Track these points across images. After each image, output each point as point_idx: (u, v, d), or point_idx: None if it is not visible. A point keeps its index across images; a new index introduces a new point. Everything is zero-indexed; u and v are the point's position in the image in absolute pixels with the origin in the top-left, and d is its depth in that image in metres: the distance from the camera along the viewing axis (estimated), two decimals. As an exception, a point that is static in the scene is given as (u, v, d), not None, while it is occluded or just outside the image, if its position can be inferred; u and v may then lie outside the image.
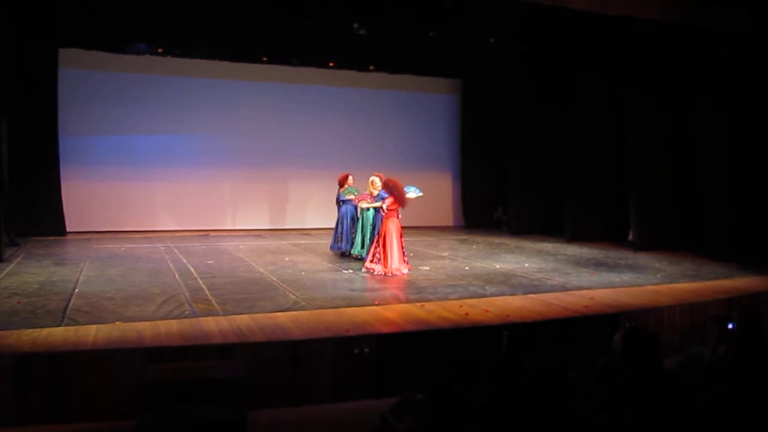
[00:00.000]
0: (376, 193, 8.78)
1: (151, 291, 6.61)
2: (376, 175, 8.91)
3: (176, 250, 10.06)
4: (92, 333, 4.95)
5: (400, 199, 8.17)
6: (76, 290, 6.58)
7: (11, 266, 8.19)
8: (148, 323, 5.28)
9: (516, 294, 6.81)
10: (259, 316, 5.64)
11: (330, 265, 8.82)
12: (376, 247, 8.22)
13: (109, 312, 5.62)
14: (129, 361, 4.52)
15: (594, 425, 2.66)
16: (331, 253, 9.70)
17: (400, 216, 8.33)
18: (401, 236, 8.22)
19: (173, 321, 5.38)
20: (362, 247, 9.05)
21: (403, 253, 8.20)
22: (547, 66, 12.90)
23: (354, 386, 4.99)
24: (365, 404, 4.72)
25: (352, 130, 14.76)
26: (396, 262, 8.04)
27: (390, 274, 7.94)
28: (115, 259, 8.96)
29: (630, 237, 11.28)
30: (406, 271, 8.09)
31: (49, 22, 11.05)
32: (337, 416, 4.60)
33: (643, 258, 9.73)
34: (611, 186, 12.02)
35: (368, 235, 8.91)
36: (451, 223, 15.66)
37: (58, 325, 5.15)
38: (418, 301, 6.35)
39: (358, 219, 9.26)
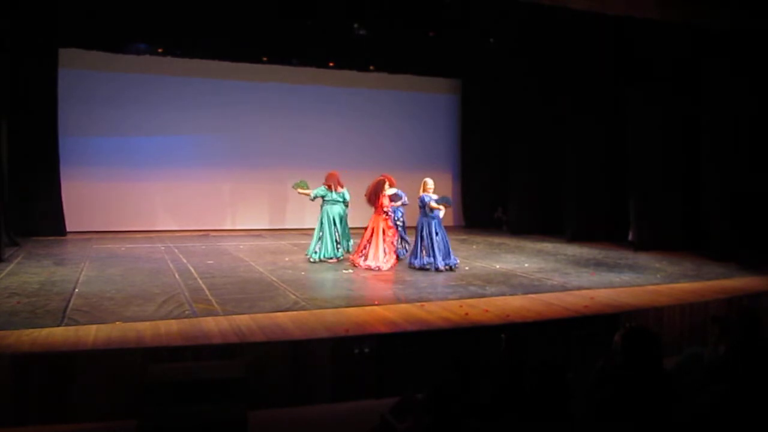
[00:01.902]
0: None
1: (151, 291, 6.62)
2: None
3: (176, 250, 10.06)
4: (92, 333, 4.95)
5: (366, 195, 8.74)
6: (76, 290, 6.58)
7: (11, 266, 8.19)
8: (148, 323, 5.28)
9: (516, 294, 6.81)
10: (259, 316, 5.64)
11: (330, 265, 8.81)
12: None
13: (109, 312, 5.62)
14: (129, 361, 4.52)
15: (594, 425, 2.66)
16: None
17: (389, 215, 8.63)
18: (376, 233, 8.52)
19: (173, 321, 5.39)
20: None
21: (385, 251, 8.47)
22: (546, 66, 12.90)
23: (354, 386, 4.98)
24: (365, 404, 4.72)
25: (352, 130, 14.76)
26: (370, 258, 8.42)
27: (367, 268, 8.31)
28: (115, 259, 8.96)
29: (630, 237, 11.28)
30: (386, 267, 8.33)
31: (49, 22, 11.04)
32: (337, 416, 4.60)
33: (643, 258, 9.73)
34: (611, 186, 12.02)
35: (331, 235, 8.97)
36: (451, 223, 15.62)
37: (58, 325, 5.15)
38: (418, 301, 6.35)
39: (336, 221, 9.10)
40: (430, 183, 8.56)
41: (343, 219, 9.08)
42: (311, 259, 8.93)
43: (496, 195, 15.07)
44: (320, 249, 8.94)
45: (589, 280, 7.77)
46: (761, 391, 2.88)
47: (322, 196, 9.07)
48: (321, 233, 8.99)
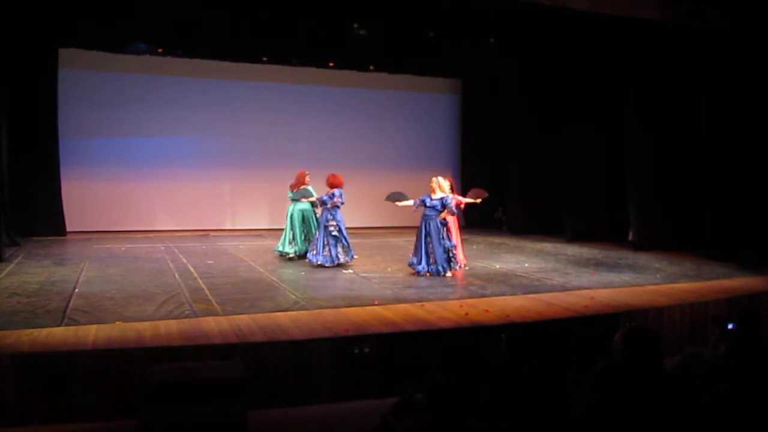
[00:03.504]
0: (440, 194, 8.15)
1: (151, 291, 6.62)
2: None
3: (176, 250, 10.06)
4: (92, 333, 4.95)
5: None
6: (76, 290, 6.58)
7: (11, 266, 8.19)
8: (148, 323, 5.28)
9: (516, 294, 6.81)
10: (259, 316, 5.64)
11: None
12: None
13: (109, 312, 5.62)
14: (129, 361, 4.52)
15: (594, 425, 2.66)
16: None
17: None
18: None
19: (173, 321, 5.39)
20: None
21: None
22: (546, 66, 12.90)
23: (354, 386, 4.99)
24: (365, 404, 4.72)
25: (352, 130, 14.75)
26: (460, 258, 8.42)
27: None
28: (115, 259, 8.96)
29: (630, 237, 11.28)
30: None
31: (49, 22, 11.05)
32: (337, 416, 4.60)
33: (643, 258, 9.73)
34: (611, 186, 12.02)
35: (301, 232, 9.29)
36: (451, 223, 15.65)
37: (58, 325, 5.15)
38: (418, 301, 6.35)
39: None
40: (436, 182, 8.09)
41: (299, 219, 9.34)
42: (289, 256, 9.23)
43: (496, 195, 15.05)
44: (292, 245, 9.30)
45: (589, 280, 7.77)
46: (761, 391, 2.88)
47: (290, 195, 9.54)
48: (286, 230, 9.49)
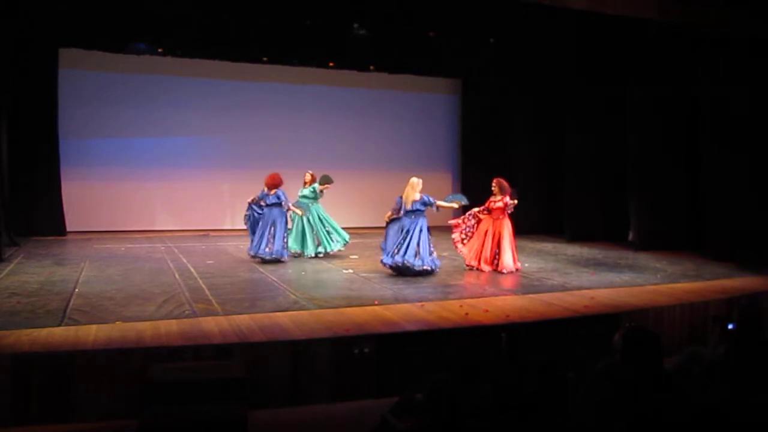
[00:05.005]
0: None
1: (151, 291, 6.62)
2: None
3: (176, 250, 10.06)
4: (92, 333, 4.95)
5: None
6: (76, 290, 6.59)
7: (11, 266, 8.19)
8: (148, 323, 5.28)
9: (516, 294, 6.82)
10: (259, 316, 5.64)
11: (330, 265, 8.83)
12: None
13: (109, 312, 5.63)
14: (129, 361, 4.52)
15: (594, 425, 2.66)
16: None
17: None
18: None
19: (173, 321, 5.39)
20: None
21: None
22: (546, 66, 12.90)
23: (354, 386, 4.99)
24: (365, 404, 4.72)
25: (352, 130, 14.75)
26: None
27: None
28: (115, 259, 8.96)
29: (630, 237, 11.28)
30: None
31: (49, 22, 11.04)
32: (337, 416, 4.60)
33: (643, 258, 9.73)
34: (611, 186, 12.02)
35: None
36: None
37: (58, 325, 5.15)
38: (418, 301, 6.35)
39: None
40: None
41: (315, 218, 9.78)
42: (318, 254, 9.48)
43: (496, 195, 15.05)
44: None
45: (589, 280, 7.77)
46: (761, 391, 2.88)
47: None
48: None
